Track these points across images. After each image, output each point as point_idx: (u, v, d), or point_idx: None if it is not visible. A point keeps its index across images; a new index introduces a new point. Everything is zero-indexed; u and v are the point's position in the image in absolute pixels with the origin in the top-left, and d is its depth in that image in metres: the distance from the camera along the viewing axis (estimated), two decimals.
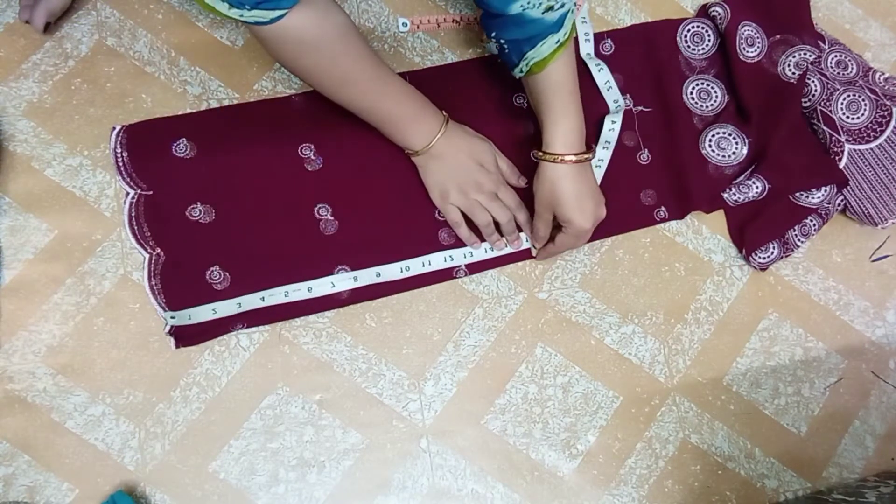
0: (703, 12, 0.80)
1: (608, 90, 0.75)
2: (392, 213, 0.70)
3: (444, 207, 0.68)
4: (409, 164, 0.70)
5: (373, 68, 0.60)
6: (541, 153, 0.62)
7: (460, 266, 0.70)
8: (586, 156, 0.62)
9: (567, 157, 0.61)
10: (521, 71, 0.63)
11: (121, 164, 0.66)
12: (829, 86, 0.76)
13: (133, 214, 0.66)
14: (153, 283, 0.65)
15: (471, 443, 0.67)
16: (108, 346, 0.64)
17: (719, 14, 0.77)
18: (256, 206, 0.68)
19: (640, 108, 0.77)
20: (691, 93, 0.78)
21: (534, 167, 0.73)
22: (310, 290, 0.66)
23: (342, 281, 0.67)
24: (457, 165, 0.66)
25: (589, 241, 0.72)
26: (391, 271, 0.68)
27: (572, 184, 0.61)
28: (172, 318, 0.64)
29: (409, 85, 0.64)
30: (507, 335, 0.70)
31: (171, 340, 0.64)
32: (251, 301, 0.65)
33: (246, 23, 0.52)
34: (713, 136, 0.77)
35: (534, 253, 0.71)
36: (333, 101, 0.63)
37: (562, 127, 0.61)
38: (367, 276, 0.67)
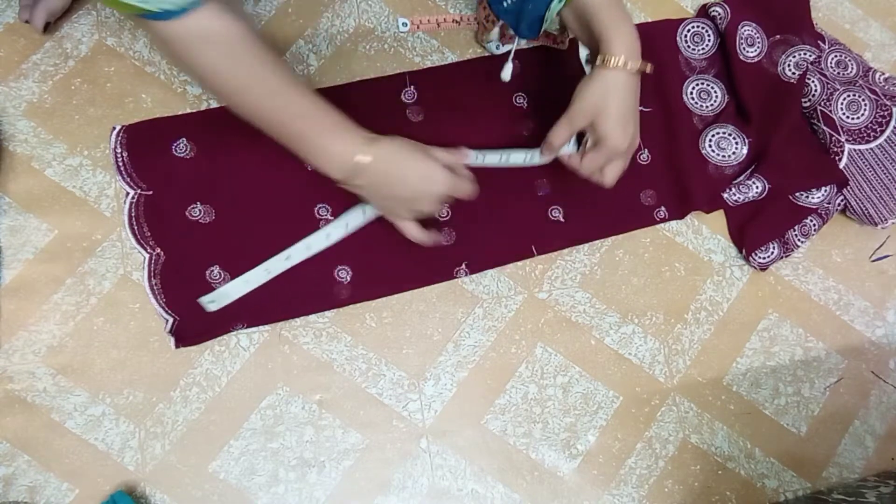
0: (703, 12, 0.80)
1: None
2: None
3: (395, 223, 0.63)
4: None
5: (280, 77, 0.53)
6: (598, 59, 0.57)
7: (461, 267, 0.70)
8: (647, 66, 0.57)
9: (630, 64, 0.56)
10: (560, 2, 0.58)
11: (121, 164, 0.66)
12: (829, 86, 0.76)
13: (133, 214, 0.66)
14: (153, 283, 0.65)
15: (471, 443, 0.67)
16: (108, 346, 0.64)
17: (719, 14, 0.77)
18: (256, 206, 0.68)
19: (640, 108, 0.76)
20: (691, 93, 0.78)
21: (527, 171, 0.73)
22: (308, 247, 0.66)
23: (336, 230, 0.66)
24: (392, 196, 0.59)
25: (588, 241, 0.73)
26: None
27: (625, 97, 0.57)
28: (212, 302, 0.64)
29: (325, 102, 0.56)
30: (507, 335, 0.70)
31: (171, 340, 0.64)
32: (277, 265, 0.65)
33: (147, 15, 0.47)
34: (713, 136, 0.77)
35: (540, 158, 0.66)
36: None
37: (622, 32, 0.56)
38: (356, 219, 0.66)
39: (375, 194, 0.60)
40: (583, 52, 0.72)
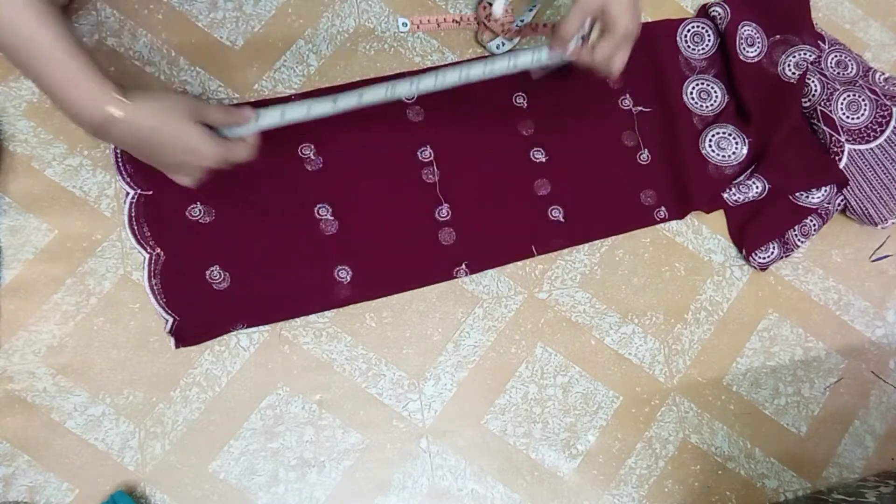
0: (703, 12, 0.80)
1: None
2: (392, 213, 0.70)
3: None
4: (408, 162, 0.70)
5: (34, 11, 0.47)
6: None
7: (461, 267, 0.70)
8: None
9: None
10: None
11: (120, 163, 0.66)
12: (829, 86, 0.76)
13: (133, 214, 0.65)
14: (153, 282, 0.65)
15: (471, 443, 0.67)
16: (108, 346, 0.64)
17: (719, 14, 0.77)
18: (256, 206, 0.68)
19: (640, 108, 0.77)
20: (691, 93, 0.78)
21: (527, 171, 0.73)
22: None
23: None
24: (154, 160, 0.56)
25: (588, 241, 0.73)
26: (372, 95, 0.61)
27: None
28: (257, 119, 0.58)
29: (81, 49, 0.50)
30: (507, 335, 0.70)
31: (171, 340, 0.64)
32: (323, 107, 0.60)
33: None
34: (713, 136, 0.77)
35: (549, 56, 0.63)
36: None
37: None
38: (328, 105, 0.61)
39: (137, 153, 0.55)
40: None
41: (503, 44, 0.74)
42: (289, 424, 0.65)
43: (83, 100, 0.50)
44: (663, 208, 0.75)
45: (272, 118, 0.60)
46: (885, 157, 0.75)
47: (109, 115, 0.50)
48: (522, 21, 0.75)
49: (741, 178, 0.76)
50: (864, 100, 0.75)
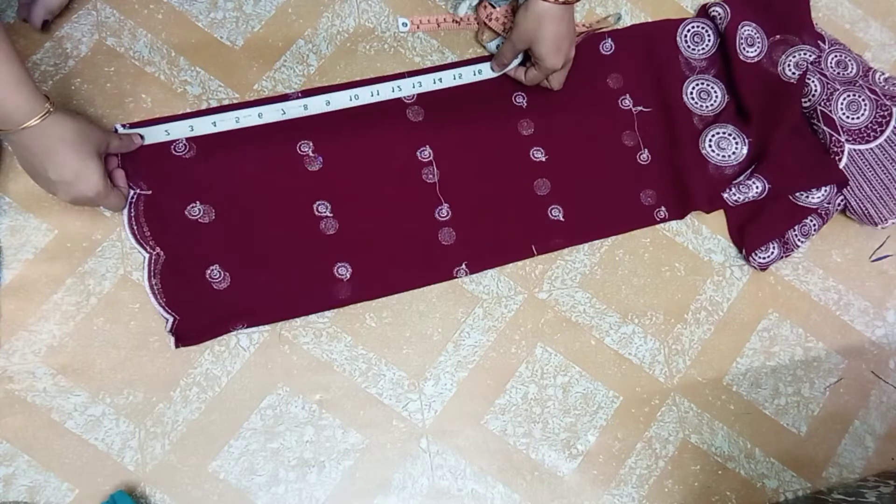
0: (703, 12, 0.80)
1: None
2: (391, 213, 0.70)
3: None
4: (408, 162, 0.70)
5: None
6: None
7: (461, 267, 0.70)
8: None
9: None
10: None
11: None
12: (829, 86, 0.76)
13: (133, 214, 0.65)
14: (153, 282, 0.65)
15: (471, 443, 0.67)
16: (108, 346, 0.64)
17: (719, 14, 0.77)
18: (256, 205, 0.68)
19: (640, 108, 0.77)
20: (691, 93, 0.78)
21: (527, 171, 0.73)
22: (260, 115, 0.68)
23: (293, 109, 0.69)
24: (35, 173, 0.57)
25: (588, 241, 0.73)
26: (341, 99, 0.70)
27: (556, 25, 0.64)
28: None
29: (17, 60, 0.53)
30: (507, 335, 0.70)
31: (171, 340, 0.64)
32: (203, 125, 0.67)
33: None
34: (713, 136, 0.77)
35: (491, 72, 0.74)
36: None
37: None
38: (318, 105, 0.69)
39: (22, 161, 0.57)
40: None
41: (503, 43, 0.74)
42: (289, 424, 0.65)
43: (14, 101, 0.53)
44: (663, 208, 0.75)
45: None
46: (885, 157, 0.75)
47: (19, 130, 0.53)
48: None
49: (741, 178, 0.76)
50: (864, 100, 0.76)
